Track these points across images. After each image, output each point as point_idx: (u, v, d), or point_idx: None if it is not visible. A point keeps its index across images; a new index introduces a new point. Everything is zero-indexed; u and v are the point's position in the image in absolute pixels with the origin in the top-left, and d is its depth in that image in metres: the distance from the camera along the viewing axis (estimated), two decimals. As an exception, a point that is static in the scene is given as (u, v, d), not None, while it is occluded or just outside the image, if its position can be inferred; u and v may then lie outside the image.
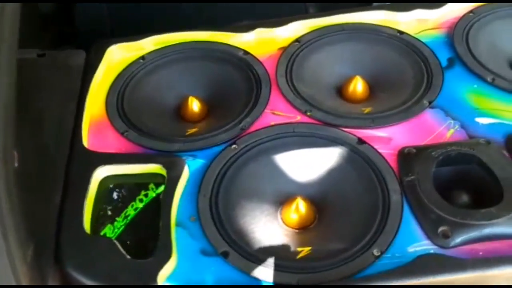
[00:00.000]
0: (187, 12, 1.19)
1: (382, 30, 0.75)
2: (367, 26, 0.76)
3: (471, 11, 0.76)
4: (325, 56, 0.74)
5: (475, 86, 0.66)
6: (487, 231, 0.49)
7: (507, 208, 0.51)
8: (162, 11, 1.18)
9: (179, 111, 0.70)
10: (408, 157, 0.58)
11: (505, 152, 0.57)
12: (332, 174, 0.59)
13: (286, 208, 0.57)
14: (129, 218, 0.56)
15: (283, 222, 0.57)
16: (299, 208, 0.56)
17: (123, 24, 1.16)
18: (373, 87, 0.71)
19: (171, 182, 0.57)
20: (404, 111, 0.64)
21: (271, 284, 0.49)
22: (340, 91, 0.71)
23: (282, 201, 0.58)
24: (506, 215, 0.50)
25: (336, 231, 0.54)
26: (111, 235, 0.55)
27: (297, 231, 0.56)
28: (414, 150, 0.58)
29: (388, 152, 0.59)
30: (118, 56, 0.77)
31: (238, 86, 0.71)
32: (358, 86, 0.70)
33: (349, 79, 0.70)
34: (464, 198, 0.55)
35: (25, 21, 0.40)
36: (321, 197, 0.59)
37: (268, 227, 0.56)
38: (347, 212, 0.56)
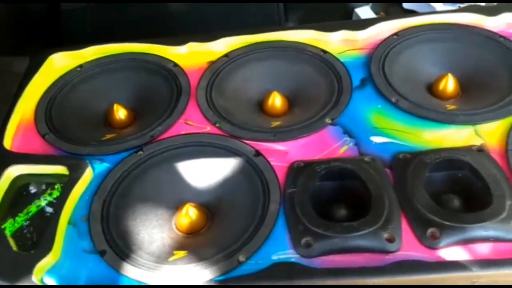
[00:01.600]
0: (167, 18, 1.27)
1: (307, 48, 0.78)
2: (294, 44, 0.80)
3: (395, 34, 0.79)
4: (249, 71, 0.77)
5: (379, 106, 0.68)
6: (346, 243, 0.52)
7: (368, 222, 0.53)
8: (144, 17, 1.25)
9: (106, 117, 0.75)
10: (296, 170, 0.60)
11: (387, 170, 0.60)
12: (227, 183, 0.62)
13: (178, 213, 0.60)
14: (30, 214, 0.60)
15: (176, 226, 0.60)
16: (189, 214, 0.59)
17: (104, 29, 1.24)
18: (291, 103, 0.74)
19: (70, 182, 0.61)
20: (306, 126, 0.67)
21: (138, 284, 0.52)
22: (261, 105, 0.74)
23: (177, 206, 0.61)
24: (367, 229, 0.52)
25: (218, 237, 0.58)
26: (11, 229, 0.59)
27: (187, 235, 0.60)
28: (302, 164, 0.61)
29: (281, 165, 0.62)
30: (59, 64, 0.82)
31: (162, 96, 0.75)
32: (276, 101, 0.73)
33: (268, 94, 0.73)
34: (343, 212, 0.57)
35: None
36: (214, 204, 0.62)
37: (157, 231, 0.59)
38: (234, 220, 0.59)
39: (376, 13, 1.36)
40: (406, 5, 1.26)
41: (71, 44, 0.84)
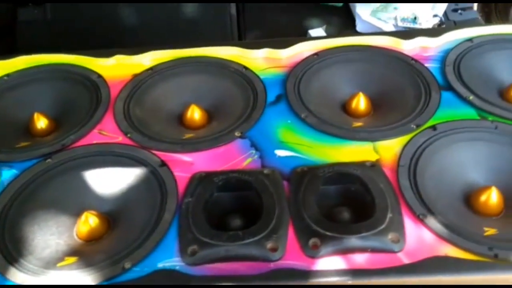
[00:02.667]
0: (122, 30, 1.29)
1: (230, 65, 0.81)
2: (218, 60, 0.82)
3: (316, 53, 0.82)
4: (172, 85, 0.79)
5: (289, 121, 0.71)
6: (230, 251, 0.53)
7: (253, 232, 0.55)
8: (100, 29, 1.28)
9: (27, 126, 0.76)
10: (196, 181, 0.62)
11: (284, 182, 0.62)
12: (130, 193, 0.64)
13: (79, 220, 0.61)
14: None
15: (76, 233, 0.61)
16: (88, 222, 0.60)
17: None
18: (210, 116, 0.76)
19: (-28, 188, 0.62)
20: (215, 139, 0.69)
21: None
22: (181, 118, 0.76)
23: (80, 214, 0.62)
24: (251, 238, 0.54)
25: (113, 245, 0.58)
26: None
27: (86, 243, 0.60)
28: (204, 175, 0.63)
29: (184, 175, 0.64)
30: (-13, 72, 0.83)
31: (83, 106, 0.76)
32: (194, 114, 0.75)
33: (187, 107, 0.75)
34: (238, 222, 0.59)
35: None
36: (116, 212, 0.63)
37: (54, 237, 0.60)
38: (131, 228, 0.60)
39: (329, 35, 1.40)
40: (359, 29, 1.31)
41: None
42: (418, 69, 0.77)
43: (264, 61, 0.82)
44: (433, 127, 0.67)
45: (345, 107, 0.76)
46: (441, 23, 1.33)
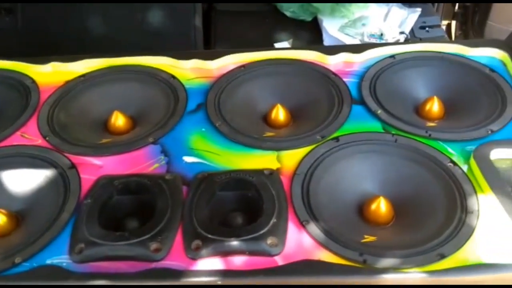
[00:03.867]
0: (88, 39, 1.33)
1: (159, 73, 0.84)
2: (149, 69, 0.85)
3: (243, 65, 0.85)
4: (99, 92, 0.83)
5: (204, 129, 0.74)
6: (114, 251, 0.56)
7: (138, 233, 0.57)
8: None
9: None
10: (99, 184, 0.65)
11: (184, 187, 0.65)
12: (38, 192, 0.67)
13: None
14: None
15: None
16: (-7, 219, 0.63)
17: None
18: (133, 123, 0.79)
19: None
20: (129, 143, 0.72)
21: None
22: (105, 124, 0.79)
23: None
24: (135, 239, 0.57)
25: (17, 240, 0.61)
26: None
27: (-4, 238, 0.64)
28: (107, 178, 0.66)
29: (91, 178, 0.67)
30: None
31: (14, 110, 0.80)
32: (118, 121, 0.78)
33: (111, 114, 0.78)
34: (135, 223, 0.62)
35: None
36: (25, 211, 0.66)
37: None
38: (35, 226, 0.63)
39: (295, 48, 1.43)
40: (326, 43, 1.34)
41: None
42: (336, 83, 0.80)
43: (193, 71, 0.85)
44: (336, 139, 0.70)
45: (265, 118, 0.79)
46: (406, 40, 1.37)
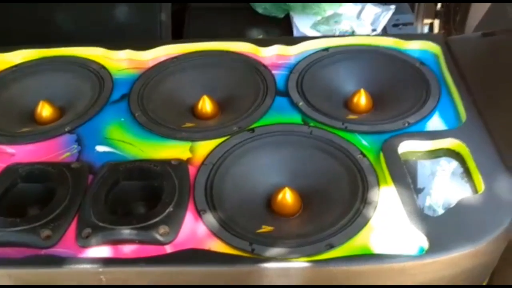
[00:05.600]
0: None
1: (90, 64, 0.85)
2: (78, 59, 0.86)
3: (175, 57, 0.85)
4: (27, 82, 0.83)
5: (123, 119, 0.74)
6: (6, 237, 0.57)
7: (30, 220, 0.58)
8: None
9: None
10: (5, 171, 0.66)
11: (90, 175, 0.65)
12: None
13: None
14: None
15: None
16: None
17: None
18: (60, 113, 0.80)
19: None
20: (44, 132, 0.73)
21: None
22: (32, 113, 0.80)
23: None
24: (25, 226, 0.57)
25: None
26: None
27: None
28: (14, 166, 0.66)
29: (1, 165, 0.67)
30: None
31: None
32: (43, 112, 0.79)
33: (38, 104, 0.79)
34: (36, 210, 0.62)
35: None
36: None
37: None
38: None
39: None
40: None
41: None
42: (264, 76, 0.80)
43: (125, 62, 0.86)
44: (252, 130, 0.70)
45: (193, 110, 0.80)
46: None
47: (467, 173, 0.63)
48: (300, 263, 0.53)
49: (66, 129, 0.73)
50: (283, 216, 0.63)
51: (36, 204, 0.64)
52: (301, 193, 0.64)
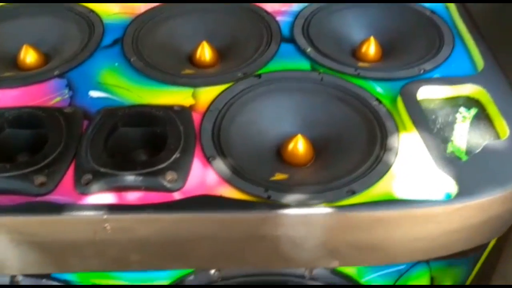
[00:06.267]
0: None
1: (76, 8, 0.79)
2: (66, 3, 0.80)
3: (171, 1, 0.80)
4: (12, 25, 0.77)
5: (117, 64, 0.69)
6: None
7: (20, 166, 0.53)
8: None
9: None
10: (-9, 116, 0.60)
11: (85, 121, 0.60)
12: None
13: None
14: None
15: None
16: None
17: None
18: (46, 58, 0.74)
19: None
20: (30, 76, 0.67)
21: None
22: (15, 59, 0.73)
23: None
24: (18, 172, 0.52)
25: None
26: None
27: None
28: (3, 110, 0.61)
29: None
30: None
31: None
32: (28, 57, 0.72)
33: (21, 49, 0.72)
34: (25, 158, 0.58)
35: None
36: None
37: None
38: None
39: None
40: None
41: None
42: (268, 22, 0.76)
43: (118, 6, 0.80)
44: (259, 76, 0.66)
45: (191, 57, 0.75)
46: None
47: (487, 119, 0.61)
48: (320, 209, 0.50)
49: (55, 73, 0.67)
50: (295, 165, 0.60)
51: (25, 151, 0.59)
52: (313, 142, 0.61)
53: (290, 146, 0.59)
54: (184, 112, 0.61)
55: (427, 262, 0.71)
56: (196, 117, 0.61)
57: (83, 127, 0.60)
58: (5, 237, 0.50)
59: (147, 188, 0.53)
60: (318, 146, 0.61)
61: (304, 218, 0.50)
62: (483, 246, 0.68)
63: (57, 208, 0.50)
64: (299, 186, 0.53)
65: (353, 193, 0.52)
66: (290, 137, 0.60)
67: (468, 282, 0.76)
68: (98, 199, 0.52)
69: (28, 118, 0.59)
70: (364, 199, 0.51)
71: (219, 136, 0.58)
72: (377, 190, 0.52)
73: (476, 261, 0.72)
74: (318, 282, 0.70)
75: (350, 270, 0.69)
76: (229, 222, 0.51)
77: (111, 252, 0.52)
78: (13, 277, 0.66)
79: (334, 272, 0.69)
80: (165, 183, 0.52)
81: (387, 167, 0.54)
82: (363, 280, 0.71)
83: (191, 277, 0.68)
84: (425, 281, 0.74)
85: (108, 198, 0.52)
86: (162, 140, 0.59)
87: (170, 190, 0.52)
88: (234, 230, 0.51)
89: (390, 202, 0.51)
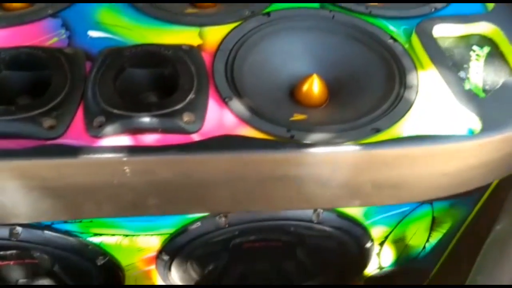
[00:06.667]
0: None
1: None
2: None
3: None
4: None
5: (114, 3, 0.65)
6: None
7: (29, 108, 0.50)
8: None
9: None
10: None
11: (88, 62, 0.57)
12: None
13: None
14: None
15: None
16: None
17: None
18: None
19: None
20: (21, 15, 0.62)
21: None
22: None
23: None
24: (24, 114, 0.49)
25: None
26: None
27: None
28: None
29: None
30: None
31: None
32: None
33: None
34: (26, 100, 0.54)
35: None
36: None
37: None
38: None
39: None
40: None
41: None
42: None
43: None
44: (268, 14, 0.64)
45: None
46: None
47: (501, 57, 0.61)
48: (346, 147, 0.50)
49: (49, 12, 0.63)
50: (309, 106, 0.58)
51: (25, 95, 0.55)
52: (327, 82, 0.59)
53: (305, 86, 0.58)
54: (193, 52, 0.58)
55: (430, 203, 0.72)
56: (205, 57, 0.59)
57: (86, 68, 0.56)
58: (16, 183, 0.48)
59: (164, 130, 0.50)
60: (332, 86, 0.60)
61: (329, 157, 0.50)
62: (487, 185, 0.70)
63: (72, 151, 0.48)
64: (322, 125, 0.52)
65: (377, 131, 0.51)
66: (304, 77, 0.58)
67: (467, 223, 0.79)
68: (112, 142, 0.49)
69: (27, 59, 0.55)
70: (388, 137, 0.51)
71: (232, 76, 0.56)
72: (401, 127, 0.52)
73: (477, 201, 0.74)
74: (325, 226, 0.70)
75: (356, 213, 0.70)
76: (251, 162, 0.50)
77: (128, 196, 0.50)
78: (12, 229, 0.64)
79: (341, 215, 0.69)
80: (183, 125, 0.50)
81: (409, 104, 0.53)
82: (368, 222, 0.72)
83: (197, 224, 0.68)
84: (426, 222, 0.76)
85: (124, 141, 0.50)
86: (171, 81, 0.56)
87: (188, 132, 0.50)
88: (256, 171, 0.50)
89: (414, 139, 0.51)
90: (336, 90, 0.60)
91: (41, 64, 0.55)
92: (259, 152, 0.49)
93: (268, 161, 0.49)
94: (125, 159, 0.47)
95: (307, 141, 0.50)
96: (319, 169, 0.50)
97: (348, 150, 0.49)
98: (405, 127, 0.52)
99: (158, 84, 0.57)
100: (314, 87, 0.58)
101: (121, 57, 0.56)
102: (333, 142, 0.50)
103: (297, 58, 0.61)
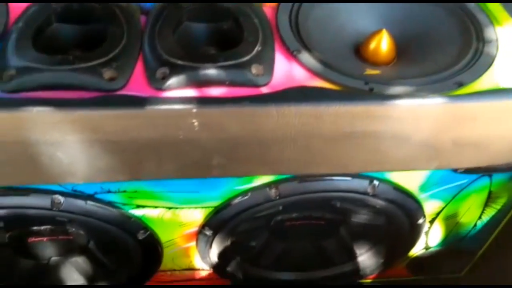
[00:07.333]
0: None
1: None
2: None
3: None
4: None
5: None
6: (54, 78, 0.45)
7: (87, 58, 0.47)
8: None
9: None
10: (32, 8, 0.52)
11: (142, 16, 0.54)
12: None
13: None
14: None
15: None
16: None
17: None
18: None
19: None
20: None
21: None
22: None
23: None
24: (83, 64, 0.46)
25: None
26: None
27: None
28: (40, 4, 0.53)
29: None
30: None
31: None
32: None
33: None
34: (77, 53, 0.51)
35: None
36: None
37: None
38: None
39: None
40: None
41: None
42: None
43: None
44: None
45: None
46: None
47: None
48: (429, 100, 0.46)
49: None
50: (377, 64, 0.55)
51: (77, 48, 0.52)
52: (396, 39, 0.56)
53: (374, 42, 0.55)
54: (254, 5, 0.55)
55: (489, 175, 0.69)
56: (267, 10, 0.55)
57: (141, 21, 0.53)
58: (76, 137, 0.45)
59: (232, 83, 0.47)
60: (400, 45, 0.56)
61: (412, 110, 0.46)
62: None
63: (137, 101, 0.45)
64: (402, 79, 0.49)
65: (460, 85, 0.48)
66: (371, 34, 0.55)
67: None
68: (177, 95, 0.46)
69: (80, 11, 0.52)
70: (472, 90, 0.48)
71: (298, 29, 0.53)
72: (483, 82, 0.49)
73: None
74: (379, 199, 0.67)
75: (413, 186, 0.67)
76: (328, 115, 0.46)
77: (192, 153, 0.47)
78: (54, 198, 0.61)
79: (397, 188, 0.66)
80: (252, 77, 0.47)
81: (491, 59, 0.50)
82: (423, 196, 0.69)
83: (247, 196, 0.64)
84: (482, 196, 0.73)
85: (189, 93, 0.46)
86: (232, 36, 0.53)
87: (258, 85, 0.47)
88: (332, 125, 0.47)
89: (498, 92, 0.48)
90: (403, 47, 0.57)
91: (96, 16, 0.52)
92: (337, 104, 0.46)
93: (346, 114, 0.46)
94: (194, 110, 0.44)
95: (388, 94, 0.47)
96: (400, 124, 0.47)
97: (431, 103, 0.46)
98: (488, 81, 0.49)
99: (216, 38, 0.54)
100: (384, 43, 0.54)
101: (179, 9, 0.53)
102: (416, 95, 0.46)
103: (363, 14, 0.58)
